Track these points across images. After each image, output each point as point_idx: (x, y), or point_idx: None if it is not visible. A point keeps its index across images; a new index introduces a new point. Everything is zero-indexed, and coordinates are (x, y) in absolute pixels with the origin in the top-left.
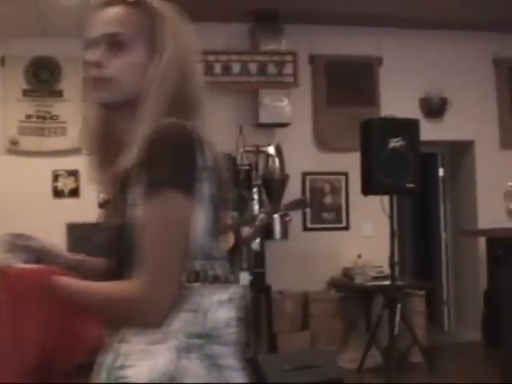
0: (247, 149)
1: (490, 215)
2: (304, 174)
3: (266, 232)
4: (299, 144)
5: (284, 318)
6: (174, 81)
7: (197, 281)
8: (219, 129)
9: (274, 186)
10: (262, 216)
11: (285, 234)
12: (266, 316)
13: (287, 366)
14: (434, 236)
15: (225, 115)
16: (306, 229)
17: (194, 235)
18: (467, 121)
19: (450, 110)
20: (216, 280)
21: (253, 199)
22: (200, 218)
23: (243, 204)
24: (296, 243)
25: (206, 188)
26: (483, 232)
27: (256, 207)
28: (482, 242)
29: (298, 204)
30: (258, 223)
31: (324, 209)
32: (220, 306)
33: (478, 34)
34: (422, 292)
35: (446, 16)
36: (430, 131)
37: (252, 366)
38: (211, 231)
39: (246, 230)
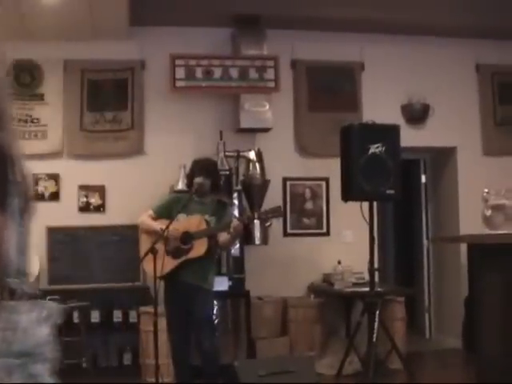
0: (228, 154)
1: (471, 222)
2: (285, 179)
3: (246, 237)
4: (280, 149)
5: (263, 323)
6: None
7: (12, 298)
8: (200, 133)
9: (254, 191)
10: (235, 223)
11: (265, 239)
12: (245, 321)
13: (263, 371)
14: (416, 242)
15: (206, 120)
16: (286, 234)
17: (7, 250)
18: (449, 127)
19: (433, 117)
20: (30, 297)
21: (232, 204)
22: (12, 233)
23: (222, 209)
24: (276, 248)
25: (15, 202)
26: (463, 238)
27: (236, 213)
28: (463, 248)
29: (273, 212)
30: (231, 230)
31: (304, 214)
32: (39, 324)
33: (461, 41)
34: (402, 299)
35: (428, 22)
36: (411, 137)
37: (228, 371)
38: (22, 246)
39: (223, 236)
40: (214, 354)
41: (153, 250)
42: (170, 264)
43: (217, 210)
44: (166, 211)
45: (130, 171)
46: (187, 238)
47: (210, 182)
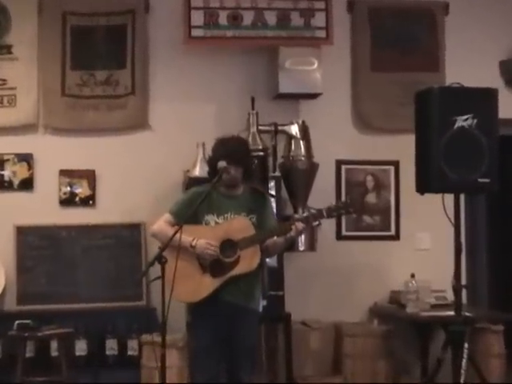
0: (262, 128)
1: None
2: (339, 163)
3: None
4: (333, 122)
5: (309, 357)
6: None
7: None
8: (224, 101)
9: (297, 179)
10: (299, 226)
11: (311, 244)
12: (285, 354)
13: None
14: None
15: (232, 82)
16: (340, 237)
17: None
18: None
19: None
20: None
21: (272, 196)
22: None
23: (261, 202)
24: (327, 257)
25: None
26: None
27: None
28: None
29: (346, 208)
30: (293, 234)
31: (365, 210)
32: None
33: None
34: (500, 327)
35: None
36: None
37: None
38: None
39: (272, 239)
40: None
41: (160, 259)
42: (208, 285)
43: (254, 203)
44: (189, 213)
45: (128, 151)
46: (229, 247)
47: (242, 170)
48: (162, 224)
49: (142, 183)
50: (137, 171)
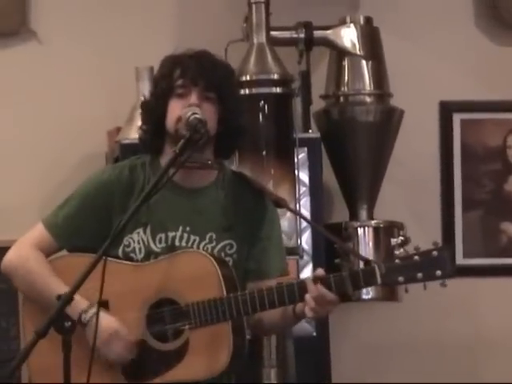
0: (278, 35)
1: None
2: (447, 109)
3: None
4: (433, 20)
5: None
6: None
7: None
8: None
9: (356, 145)
10: (327, 295)
11: (390, 288)
12: None
13: None
14: None
15: None
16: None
17: None
18: None
19: None
20: None
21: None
22: None
23: (259, 216)
24: (423, 312)
25: None
26: None
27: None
28: None
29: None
30: (307, 313)
31: (502, 211)
32: None
33: None
34: None
35: None
36: None
37: None
38: None
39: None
40: None
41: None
42: None
43: (238, 210)
44: (90, 227)
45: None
46: (167, 317)
47: (215, 117)
48: (25, 251)
49: (22, 159)
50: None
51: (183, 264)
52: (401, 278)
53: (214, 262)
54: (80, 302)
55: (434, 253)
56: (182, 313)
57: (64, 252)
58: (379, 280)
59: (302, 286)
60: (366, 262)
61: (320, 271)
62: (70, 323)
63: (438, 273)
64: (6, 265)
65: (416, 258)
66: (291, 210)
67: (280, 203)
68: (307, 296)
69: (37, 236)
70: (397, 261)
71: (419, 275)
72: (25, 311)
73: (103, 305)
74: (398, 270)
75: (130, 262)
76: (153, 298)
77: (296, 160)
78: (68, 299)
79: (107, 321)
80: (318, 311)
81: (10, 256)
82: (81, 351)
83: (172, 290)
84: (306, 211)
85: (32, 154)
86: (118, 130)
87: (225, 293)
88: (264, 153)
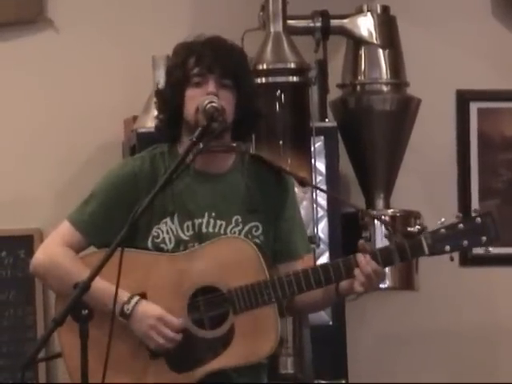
0: (295, 24)
1: None
2: (464, 98)
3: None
4: (451, 7)
5: None
6: None
7: None
8: None
9: (373, 134)
10: (376, 268)
11: (408, 275)
12: None
13: None
14: None
15: None
16: (467, 261)
17: None
18: None
19: None
20: None
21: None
22: None
23: (281, 197)
24: (440, 302)
25: None
26: None
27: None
28: None
29: (477, 233)
30: (357, 287)
31: None
32: None
33: None
34: None
35: None
36: None
37: None
38: None
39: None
40: None
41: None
42: None
43: (260, 194)
44: (117, 222)
45: (14, 77)
46: (210, 305)
47: (232, 104)
48: (54, 249)
49: (39, 148)
50: (33, 118)
51: (221, 251)
52: (447, 247)
53: (254, 247)
54: (120, 295)
55: (478, 219)
56: (224, 299)
57: (93, 248)
58: (427, 250)
59: (348, 263)
60: (391, 230)
61: (363, 243)
62: (86, 311)
63: (484, 239)
64: (35, 265)
65: (460, 225)
66: (315, 187)
67: (304, 181)
68: (357, 271)
69: (64, 234)
70: (442, 230)
71: (465, 242)
72: (58, 309)
73: (142, 297)
74: (444, 238)
75: (163, 253)
76: (192, 287)
77: (312, 149)
78: (85, 287)
79: (152, 307)
80: (367, 286)
81: (38, 256)
82: (125, 347)
83: (212, 277)
84: (322, 200)
85: (49, 143)
86: (135, 118)
87: (267, 276)
88: (281, 142)
